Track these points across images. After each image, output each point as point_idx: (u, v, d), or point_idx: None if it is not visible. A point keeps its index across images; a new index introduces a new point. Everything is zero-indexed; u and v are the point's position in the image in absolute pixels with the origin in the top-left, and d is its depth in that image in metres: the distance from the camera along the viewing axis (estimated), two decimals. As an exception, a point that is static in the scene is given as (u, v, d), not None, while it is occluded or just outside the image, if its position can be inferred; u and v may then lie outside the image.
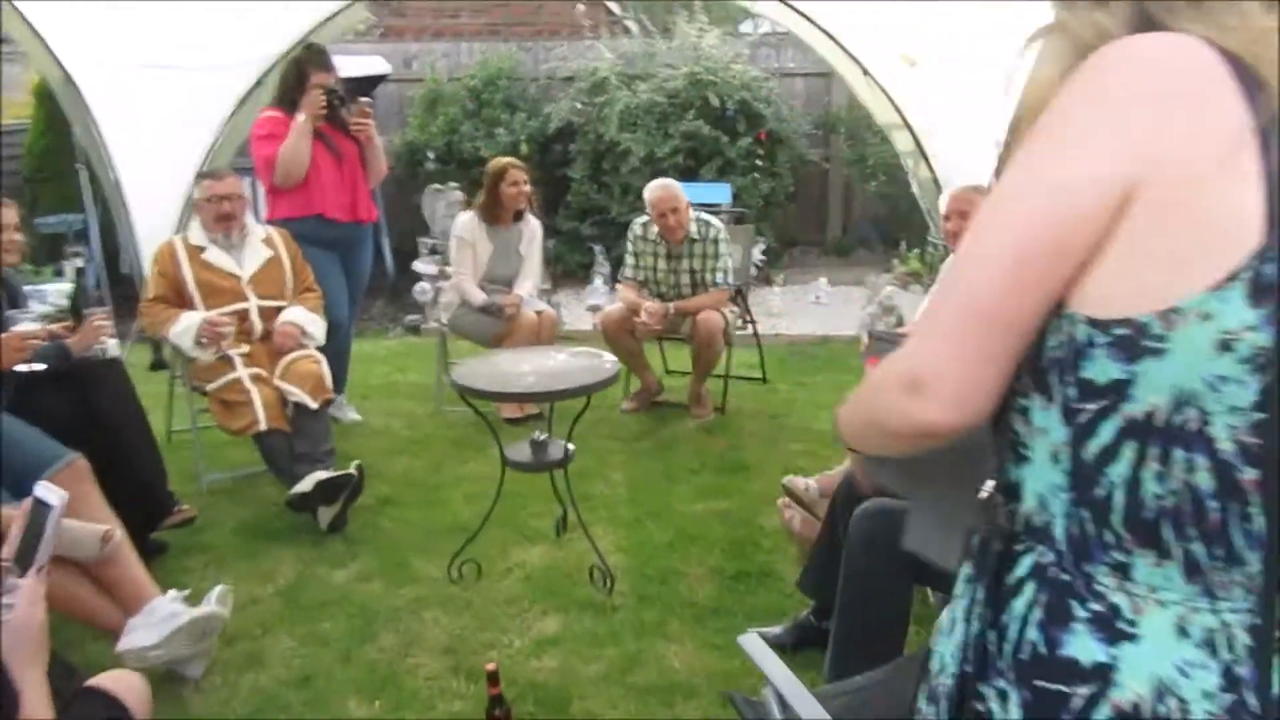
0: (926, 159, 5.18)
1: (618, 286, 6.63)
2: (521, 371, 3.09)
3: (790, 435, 4.41)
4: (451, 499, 3.78)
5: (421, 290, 6.15)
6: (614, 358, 3.23)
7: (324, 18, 5.07)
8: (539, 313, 4.61)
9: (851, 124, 8.04)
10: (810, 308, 6.86)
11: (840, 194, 8.45)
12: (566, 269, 7.31)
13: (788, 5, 5.10)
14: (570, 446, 3.14)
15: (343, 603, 3.03)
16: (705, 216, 4.63)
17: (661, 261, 4.63)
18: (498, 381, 3.03)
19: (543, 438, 3.14)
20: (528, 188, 4.61)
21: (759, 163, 7.26)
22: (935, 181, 5.19)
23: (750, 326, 4.98)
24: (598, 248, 7.06)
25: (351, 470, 3.40)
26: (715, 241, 4.55)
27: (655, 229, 4.58)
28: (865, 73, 5.17)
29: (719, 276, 4.56)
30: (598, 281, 6.75)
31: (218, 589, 2.66)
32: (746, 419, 4.65)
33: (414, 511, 3.67)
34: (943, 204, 3.45)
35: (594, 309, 6.15)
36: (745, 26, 8.75)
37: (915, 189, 5.47)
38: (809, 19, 5.13)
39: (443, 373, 4.86)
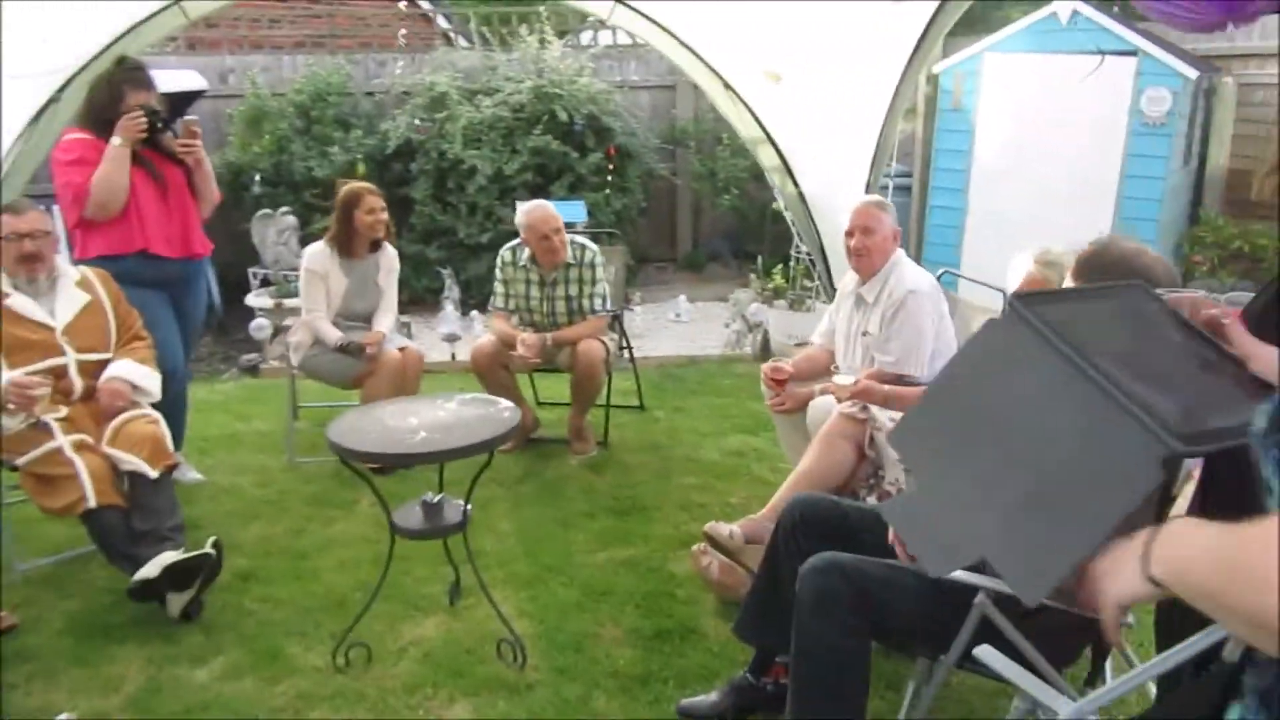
0: (792, 175, 5.10)
1: (475, 314, 6.31)
2: (410, 426, 2.73)
3: (680, 468, 4.20)
4: (322, 568, 3.35)
5: (258, 326, 5.63)
6: (511, 404, 2.92)
7: (130, 25, 4.46)
8: (402, 349, 4.22)
9: (699, 137, 7.98)
10: (671, 326, 6.72)
11: (689, 208, 8.37)
12: (414, 295, 6.86)
13: (647, 18, 4.91)
14: (468, 508, 2.81)
15: (209, 709, 2.58)
16: (579, 239, 4.37)
17: (534, 289, 4.32)
18: (385, 441, 2.65)
19: (435, 499, 2.80)
20: (385, 215, 4.21)
21: (610, 178, 7.06)
22: (801, 197, 5.12)
23: (627, 352, 4.75)
24: (446, 271, 6.68)
25: (208, 549, 2.94)
26: (592, 265, 4.29)
27: (527, 253, 4.27)
28: (727, 87, 5.04)
29: (597, 303, 4.30)
30: (449, 308, 6.37)
31: (62, 718, 2.18)
32: (631, 452, 4.41)
33: (281, 587, 3.22)
34: (845, 219, 3.33)
35: (450, 338, 5.76)
36: (584, 38, 8.56)
37: (781, 204, 5.39)
38: (669, 32, 4.95)
39: (293, 419, 4.40)
